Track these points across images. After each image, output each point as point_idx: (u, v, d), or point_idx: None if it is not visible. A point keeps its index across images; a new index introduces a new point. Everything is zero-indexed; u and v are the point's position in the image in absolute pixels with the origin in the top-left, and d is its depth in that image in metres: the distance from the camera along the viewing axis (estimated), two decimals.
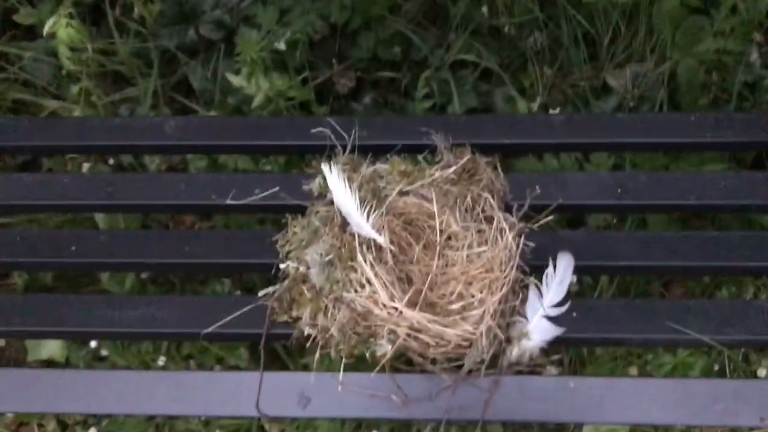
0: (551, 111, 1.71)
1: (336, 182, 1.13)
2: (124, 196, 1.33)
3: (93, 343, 1.56)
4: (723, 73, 1.73)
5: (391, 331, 1.06)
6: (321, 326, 1.13)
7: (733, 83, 1.67)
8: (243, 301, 1.20)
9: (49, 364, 1.61)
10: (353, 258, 1.11)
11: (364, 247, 1.11)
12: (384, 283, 1.08)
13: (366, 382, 1.11)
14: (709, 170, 1.48)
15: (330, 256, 1.12)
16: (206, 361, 1.56)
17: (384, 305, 1.07)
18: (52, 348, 1.57)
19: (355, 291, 1.09)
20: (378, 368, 1.09)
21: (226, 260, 1.25)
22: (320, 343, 1.13)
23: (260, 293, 1.20)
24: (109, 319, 1.20)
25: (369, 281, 1.08)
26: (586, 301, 1.19)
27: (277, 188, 1.30)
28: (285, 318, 1.17)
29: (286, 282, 1.18)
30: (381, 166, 1.25)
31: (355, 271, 1.10)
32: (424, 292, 1.09)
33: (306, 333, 1.15)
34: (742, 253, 1.20)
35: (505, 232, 1.14)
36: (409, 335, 1.06)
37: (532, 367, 1.14)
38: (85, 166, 1.79)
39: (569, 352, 1.50)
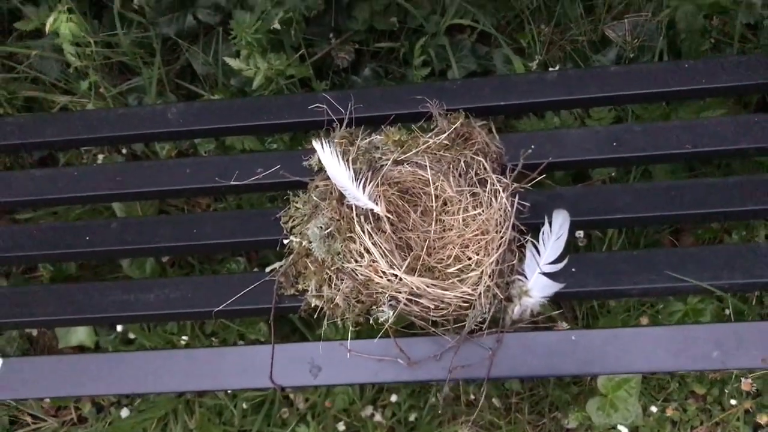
0: (551, 69, 1.71)
1: (329, 158, 1.15)
2: (132, 184, 1.37)
3: (119, 328, 1.62)
4: (723, 16, 1.71)
5: (392, 298, 1.10)
6: (326, 297, 1.17)
7: (734, 26, 1.65)
8: (252, 278, 1.24)
9: (81, 349, 1.68)
10: (352, 229, 1.14)
11: (362, 218, 1.14)
12: (383, 251, 1.11)
13: (372, 347, 1.15)
14: (705, 117, 1.47)
15: (330, 229, 1.15)
16: (229, 337, 1.62)
17: (383, 273, 1.10)
18: (81, 334, 1.64)
19: (356, 261, 1.13)
20: (381, 333, 1.13)
21: (233, 239, 1.29)
22: (327, 313, 1.17)
23: (267, 269, 1.25)
24: (127, 304, 1.25)
25: (368, 250, 1.12)
26: (585, 256, 1.21)
27: (278, 166, 1.33)
28: (292, 291, 1.21)
29: (291, 257, 1.22)
30: (376, 137, 1.28)
31: (355, 241, 1.13)
32: (422, 257, 1.12)
33: (313, 304, 1.19)
34: (748, 197, 1.20)
35: (499, 193, 1.16)
36: (409, 300, 1.10)
37: (535, 323, 1.17)
38: (100, 157, 1.84)
39: (581, 307, 1.52)
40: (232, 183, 1.33)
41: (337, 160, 1.16)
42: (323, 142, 1.17)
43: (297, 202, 1.26)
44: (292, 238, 1.23)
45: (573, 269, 1.18)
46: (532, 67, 1.72)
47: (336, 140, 1.29)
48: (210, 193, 1.46)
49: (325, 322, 1.17)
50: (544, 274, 1.15)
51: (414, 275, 1.10)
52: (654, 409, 1.53)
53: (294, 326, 1.57)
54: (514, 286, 1.16)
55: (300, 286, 1.20)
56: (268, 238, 1.27)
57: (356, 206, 1.15)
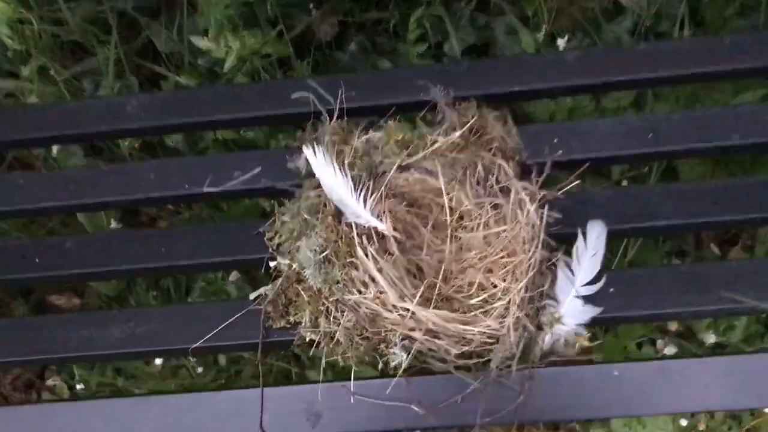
0: (559, 40, 1.52)
1: (323, 166, 0.96)
2: (88, 193, 1.16)
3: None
4: None
5: (405, 337, 0.92)
6: (323, 331, 0.98)
7: None
8: (234, 307, 1.05)
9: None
10: (353, 252, 0.95)
11: (364, 239, 0.95)
12: (391, 279, 0.93)
13: (380, 389, 0.98)
14: (750, 102, 1.30)
15: (326, 252, 0.96)
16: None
17: (393, 306, 0.92)
18: None
19: (359, 292, 0.94)
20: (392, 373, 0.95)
21: (208, 259, 1.10)
22: (324, 349, 0.99)
23: (251, 295, 1.06)
24: (84, 341, 1.06)
25: (373, 279, 0.93)
26: (625, 274, 1.04)
27: (258, 169, 1.13)
28: (283, 323, 1.03)
29: (280, 282, 1.03)
30: (375, 135, 1.08)
31: (357, 268, 0.94)
32: (438, 285, 0.94)
33: (308, 339, 1.01)
34: None
35: (525, 204, 0.97)
36: (425, 338, 0.92)
37: (566, 355, 1.00)
38: (55, 149, 1.63)
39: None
40: (206, 190, 1.13)
41: (332, 168, 0.96)
42: (315, 147, 0.97)
43: (284, 214, 1.06)
44: (279, 259, 1.03)
45: (611, 289, 1.01)
46: (539, 38, 1.52)
47: (327, 138, 1.09)
48: (178, 201, 1.26)
49: (323, 360, 0.99)
50: (579, 297, 0.98)
51: (429, 307, 0.92)
52: (684, 422, 1.38)
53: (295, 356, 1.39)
54: (545, 312, 0.98)
55: (291, 318, 1.02)
56: (251, 257, 1.08)
57: (357, 224, 0.96)
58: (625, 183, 1.48)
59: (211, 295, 1.44)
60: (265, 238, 1.07)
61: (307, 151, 0.96)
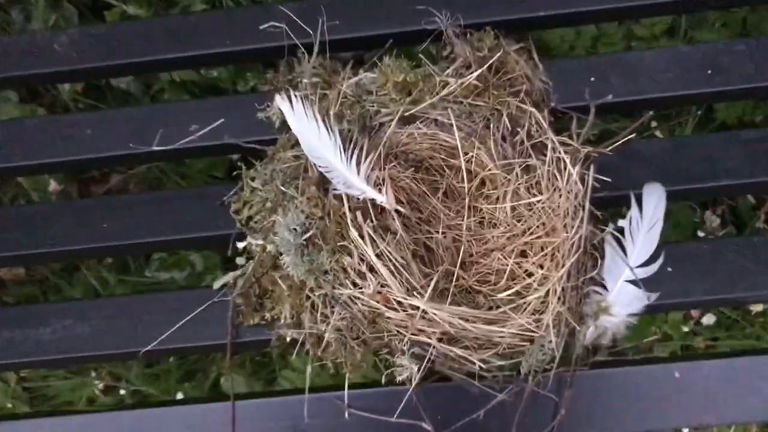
0: None
1: (301, 120, 0.73)
2: (14, 153, 0.93)
3: None
4: None
5: (415, 343, 0.71)
6: (308, 330, 0.77)
7: None
8: (195, 298, 0.84)
9: None
10: (344, 233, 0.73)
11: (359, 214, 0.73)
12: (395, 267, 0.71)
13: (383, 402, 0.77)
14: None
15: (309, 233, 0.74)
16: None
17: (399, 303, 0.71)
18: None
19: (354, 284, 0.73)
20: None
21: (159, 237, 0.87)
22: (311, 352, 0.78)
23: (216, 284, 0.84)
24: (9, 344, 0.84)
25: (372, 268, 0.72)
26: (682, 248, 0.83)
27: (221, 121, 0.90)
28: (257, 319, 0.81)
29: (251, 267, 0.82)
30: (368, 76, 0.85)
31: (350, 253, 0.73)
32: (455, 274, 0.72)
33: (289, 338, 0.80)
34: None
35: (566, 165, 0.75)
36: (442, 342, 0.71)
37: (617, 353, 0.80)
38: None
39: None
40: (154, 149, 0.90)
41: (315, 122, 0.73)
42: (291, 94, 0.74)
43: (253, 179, 0.84)
44: (250, 238, 0.81)
45: (669, 268, 0.80)
46: None
47: (306, 80, 0.86)
48: (122, 162, 1.02)
49: (309, 366, 0.78)
50: (632, 281, 0.78)
51: (445, 303, 0.70)
52: None
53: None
54: (589, 301, 0.78)
55: (267, 314, 0.80)
56: (214, 233, 0.86)
57: (348, 195, 0.74)
58: (659, 134, 1.26)
59: (171, 267, 1.22)
60: (231, 211, 0.85)
61: (280, 100, 0.73)
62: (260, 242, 0.80)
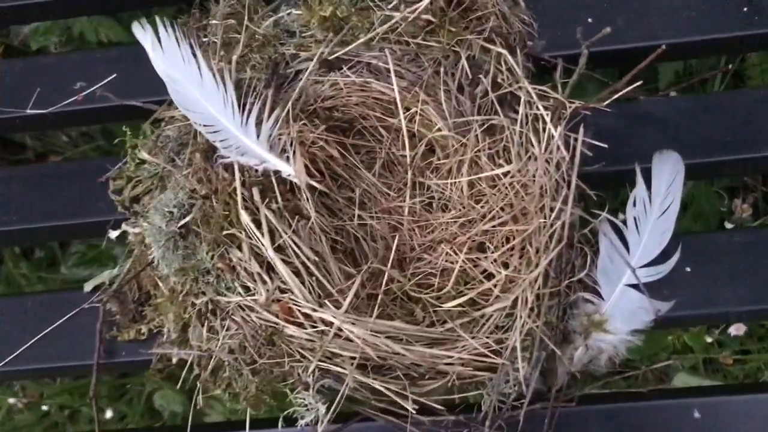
0: None
1: (174, 62, 0.52)
2: None
3: None
4: None
5: (324, 371, 0.50)
6: (195, 350, 0.57)
7: None
8: (57, 302, 0.64)
9: None
10: (232, 219, 0.53)
11: (256, 192, 0.53)
12: (302, 265, 0.51)
13: None
14: None
15: (188, 218, 0.54)
16: None
17: (305, 316, 0.50)
18: None
19: (245, 288, 0.52)
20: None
21: (15, 226, 0.67)
22: (201, 376, 0.58)
23: (87, 285, 0.64)
24: None
25: (270, 269, 0.51)
26: (712, 239, 0.61)
27: (112, 77, 0.70)
28: (133, 333, 0.61)
29: (129, 263, 0.62)
30: (292, 13, 0.64)
31: (240, 246, 0.52)
32: (386, 275, 0.51)
33: (175, 359, 0.59)
34: None
35: (546, 124, 0.54)
36: (363, 371, 0.50)
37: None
38: None
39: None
40: (28, 112, 0.70)
41: (196, 67, 0.53)
42: (160, 25, 0.53)
43: (139, 149, 0.63)
44: (125, 226, 0.61)
45: (687, 269, 0.59)
46: None
47: (216, 21, 0.65)
48: None
49: (199, 397, 0.58)
50: (636, 285, 0.56)
51: (371, 317, 0.50)
52: None
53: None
54: (576, 313, 0.57)
55: (145, 326, 0.60)
56: (90, 220, 0.66)
57: (242, 166, 0.53)
58: (673, 93, 1.04)
59: (91, 262, 1.02)
60: (109, 190, 0.65)
61: (136, 29, 0.52)
62: (139, 228, 0.60)
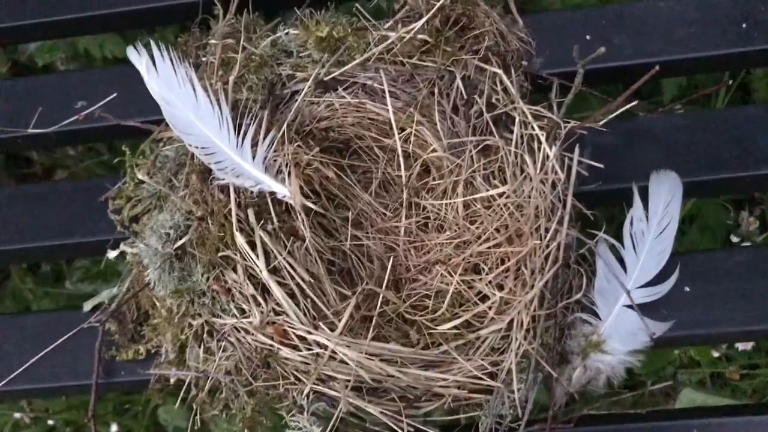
0: None
1: (169, 84, 0.53)
2: None
3: None
4: None
5: (318, 394, 0.50)
6: (193, 371, 0.57)
7: None
8: (54, 322, 0.64)
9: None
10: (227, 241, 0.53)
11: (251, 213, 0.53)
12: (297, 287, 0.51)
13: None
14: None
15: (184, 239, 0.54)
16: None
17: (299, 338, 0.50)
18: None
19: (240, 311, 0.52)
20: None
21: (18, 245, 0.68)
22: (198, 396, 0.58)
23: (87, 305, 0.65)
24: None
25: (265, 290, 0.51)
26: (712, 259, 0.61)
27: (112, 96, 0.71)
28: (131, 353, 0.61)
29: (127, 283, 0.62)
30: (290, 33, 0.64)
31: (235, 268, 0.52)
32: (380, 296, 0.51)
33: (173, 379, 0.59)
34: None
35: (541, 144, 0.54)
36: (358, 394, 0.50)
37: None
38: None
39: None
40: (29, 131, 0.71)
41: (191, 88, 0.53)
42: (155, 49, 0.53)
43: (139, 169, 0.64)
44: (123, 246, 0.61)
45: (686, 288, 0.59)
46: None
47: (215, 42, 0.66)
48: None
49: (197, 417, 0.58)
50: (634, 306, 0.56)
51: (366, 339, 0.50)
52: None
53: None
54: (574, 334, 0.56)
55: (142, 346, 0.61)
56: (92, 239, 0.67)
57: (238, 187, 0.53)
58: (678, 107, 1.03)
59: (95, 278, 1.03)
60: (109, 210, 0.65)
61: (132, 53, 0.53)
62: (135, 251, 0.60)
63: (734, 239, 1.04)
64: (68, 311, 0.66)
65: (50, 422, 1.15)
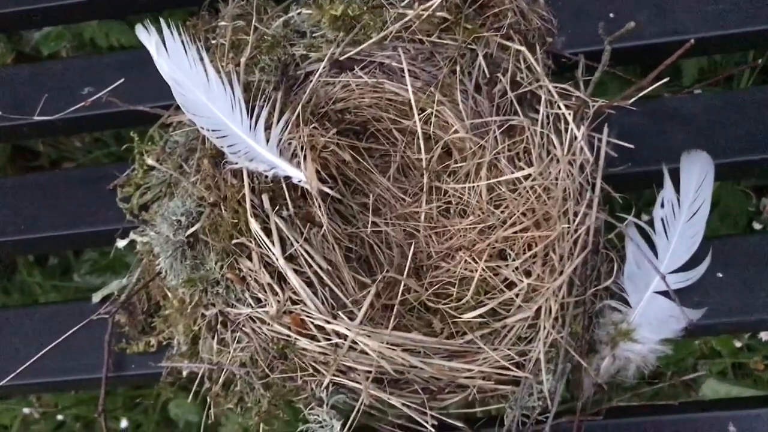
0: None
1: (180, 65, 0.50)
2: None
3: None
4: None
5: (338, 386, 0.48)
6: (206, 363, 0.55)
7: None
8: (62, 313, 0.62)
9: None
10: (242, 228, 0.50)
11: (265, 199, 0.51)
12: (315, 275, 0.49)
13: None
14: None
15: (196, 226, 0.52)
16: None
17: (318, 328, 0.48)
18: None
19: (256, 300, 0.50)
20: None
21: (21, 236, 0.66)
22: (211, 389, 0.55)
23: (95, 296, 0.63)
24: None
25: (281, 279, 0.49)
26: (746, 243, 0.58)
27: (120, 81, 0.69)
28: (142, 346, 0.59)
29: (137, 273, 0.60)
30: (302, 12, 0.62)
31: (250, 256, 0.50)
32: (401, 284, 0.49)
33: (185, 372, 0.57)
34: None
35: (569, 125, 0.52)
36: (379, 385, 0.48)
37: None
38: None
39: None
40: (35, 119, 0.69)
41: (202, 68, 0.51)
42: (165, 27, 0.51)
43: (148, 155, 0.61)
44: (133, 235, 0.59)
45: (719, 274, 0.56)
46: None
47: (225, 23, 0.63)
48: None
49: (210, 411, 0.56)
50: (664, 293, 0.54)
51: (386, 328, 0.47)
52: None
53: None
54: (603, 322, 0.54)
55: (153, 338, 0.58)
56: (96, 229, 0.65)
57: (251, 172, 0.51)
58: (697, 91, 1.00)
59: (103, 270, 1.01)
60: (117, 198, 0.63)
61: (141, 31, 0.50)
62: (145, 239, 0.58)
63: (756, 226, 1.01)
64: (76, 303, 0.64)
65: (59, 417, 1.13)
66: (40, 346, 0.61)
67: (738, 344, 1.02)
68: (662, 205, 0.54)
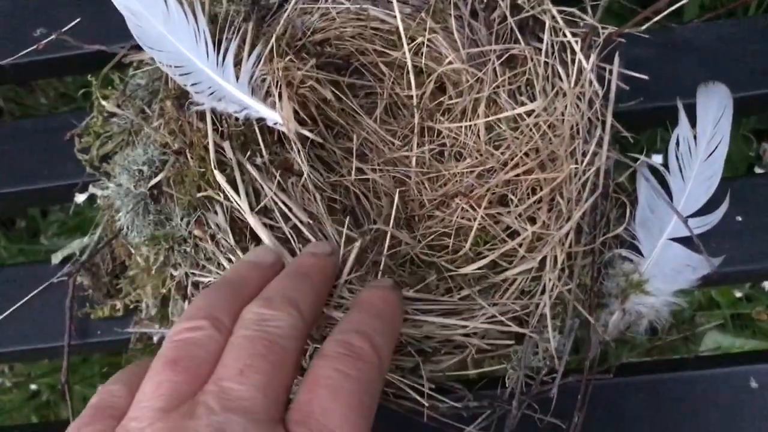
0: None
1: None
2: None
3: None
4: None
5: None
6: None
7: None
8: (22, 276, 0.57)
9: None
10: (209, 178, 0.45)
11: (234, 145, 0.45)
12: (293, 230, 0.43)
13: None
14: None
15: (158, 178, 0.46)
16: None
17: None
18: None
19: (229, 262, 0.45)
20: None
21: None
22: None
23: (55, 257, 0.57)
24: None
25: (253, 234, 0.44)
26: (761, 183, 0.54)
27: (76, 20, 0.62)
28: (107, 310, 0.54)
29: (99, 231, 0.54)
30: None
31: (216, 210, 0.45)
32: (388, 235, 0.44)
33: (156, 338, 0.52)
34: None
35: (576, 54, 0.46)
36: None
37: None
38: None
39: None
40: None
41: None
42: None
43: (107, 101, 0.55)
44: (93, 188, 0.54)
45: (738, 218, 0.52)
46: None
47: None
48: None
49: None
50: (679, 239, 0.49)
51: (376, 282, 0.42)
52: None
53: None
54: (612, 273, 0.49)
55: (119, 301, 0.53)
56: (54, 184, 0.59)
57: (218, 114, 0.45)
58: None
59: (72, 231, 0.95)
60: (75, 149, 0.57)
61: None
62: (106, 192, 0.52)
63: (758, 171, 0.97)
64: (35, 265, 0.58)
65: (33, 387, 1.09)
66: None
67: (738, 294, 0.99)
68: (677, 144, 0.49)
